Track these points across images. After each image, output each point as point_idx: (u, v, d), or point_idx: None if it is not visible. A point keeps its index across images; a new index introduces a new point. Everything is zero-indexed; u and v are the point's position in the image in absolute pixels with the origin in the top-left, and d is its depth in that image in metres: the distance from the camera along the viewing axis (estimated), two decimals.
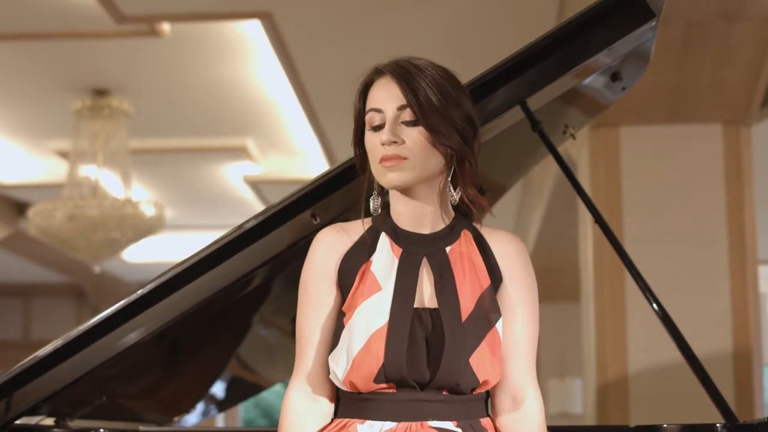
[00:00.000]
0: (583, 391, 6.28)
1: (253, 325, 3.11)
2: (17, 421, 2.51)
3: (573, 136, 3.09)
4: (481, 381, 1.96)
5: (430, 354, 1.95)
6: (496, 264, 2.06)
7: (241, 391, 3.68)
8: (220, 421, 13.71)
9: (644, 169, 5.32)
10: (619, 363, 5.17)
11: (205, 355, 3.24)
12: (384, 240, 2.06)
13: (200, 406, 3.52)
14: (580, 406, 9.93)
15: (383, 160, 2.01)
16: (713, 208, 5.26)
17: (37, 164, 9.34)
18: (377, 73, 2.09)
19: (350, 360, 1.95)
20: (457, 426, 1.95)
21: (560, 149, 6.11)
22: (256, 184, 9.58)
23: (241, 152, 8.80)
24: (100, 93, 7.53)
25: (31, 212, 7.81)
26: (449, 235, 2.07)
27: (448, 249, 2.05)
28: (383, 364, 1.93)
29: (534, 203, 8.92)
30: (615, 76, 2.84)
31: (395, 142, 2.00)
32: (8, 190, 10.00)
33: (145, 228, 7.78)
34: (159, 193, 9.97)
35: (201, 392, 3.47)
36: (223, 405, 3.73)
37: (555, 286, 10.03)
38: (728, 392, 4.99)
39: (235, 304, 2.75)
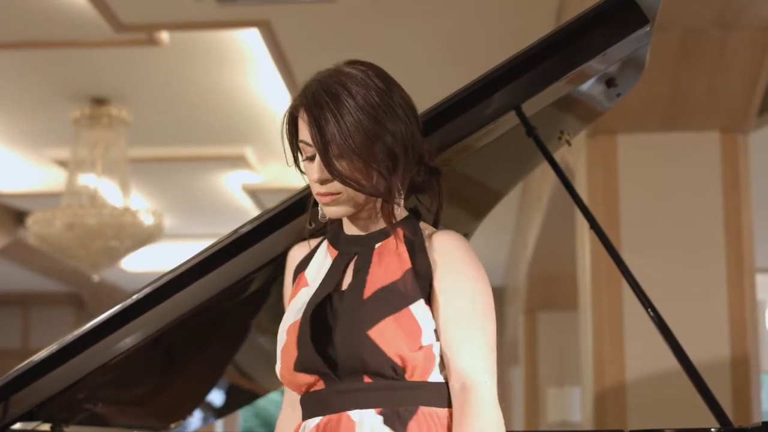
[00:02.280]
0: (582, 399, 6.28)
1: (250, 330, 3.11)
2: (13, 426, 2.51)
3: (568, 143, 3.10)
4: (394, 359, 1.92)
5: (335, 336, 1.97)
6: (425, 254, 2.04)
7: (238, 397, 3.68)
8: (219, 429, 13.70)
9: (641, 177, 5.32)
10: (616, 370, 5.17)
11: (202, 362, 3.24)
12: (324, 245, 2.14)
13: (197, 413, 3.52)
14: (579, 414, 9.93)
15: (318, 195, 2.04)
16: (711, 216, 5.26)
17: (35, 173, 9.35)
18: (298, 101, 2.07)
19: (279, 357, 2.02)
20: (379, 413, 1.92)
21: (557, 156, 6.11)
22: (254, 193, 9.59)
23: (239, 161, 8.81)
24: (99, 102, 7.54)
25: (30, 220, 7.82)
26: (385, 233, 2.07)
27: (377, 245, 2.06)
28: (297, 354, 1.96)
29: (532, 212, 8.93)
30: (610, 83, 2.85)
31: (326, 181, 2.01)
32: (7, 199, 10.02)
33: (143, 237, 7.78)
34: (158, 202, 9.98)
35: (198, 399, 3.47)
36: (221, 412, 3.73)
37: (553, 294, 10.05)
38: (726, 400, 4.99)
39: (232, 309, 2.75)
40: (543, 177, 7.79)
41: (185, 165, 9.06)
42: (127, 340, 2.52)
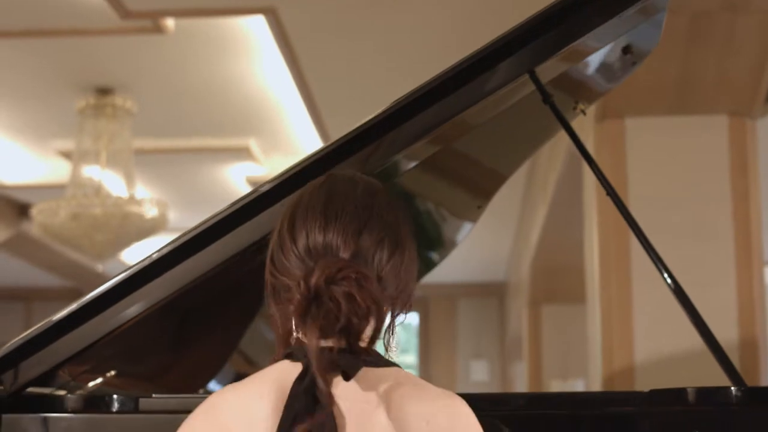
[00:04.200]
0: (586, 388, 6.27)
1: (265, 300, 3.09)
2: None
3: (583, 112, 3.09)
4: None
5: None
6: None
7: (254, 371, 3.67)
8: None
9: (649, 161, 5.32)
10: (625, 354, 5.17)
11: (217, 333, 3.23)
12: None
13: (212, 386, 3.51)
14: None
15: None
16: (719, 200, 5.26)
17: (39, 165, 9.34)
18: None
19: None
20: None
21: (564, 143, 6.11)
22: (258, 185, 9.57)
23: (243, 153, 8.80)
24: (104, 92, 7.53)
25: (34, 211, 7.81)
26: None
27: None
28: None
29: (536, 204, 8.92)
30: (626, 50, 2.84)
31: None
32: (10, 191, 10.00)
33: (148, 227, 7.77)
34: (161, 194, 9.97)
35: (212, 372, 3.46)
36: None
37: (558, 287, 10.04)
38: None
39: (246, 278, 2.73)
40: (548, 168, 7.79)
41: (189, 157, 9.05)
42: (133, 307, 2.51)
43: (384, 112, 2.43)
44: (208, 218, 2.47)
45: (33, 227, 8.84)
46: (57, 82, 7.39)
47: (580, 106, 3.08)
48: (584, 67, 2.87)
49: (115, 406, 2.42)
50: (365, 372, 1.67)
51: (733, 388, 2.30)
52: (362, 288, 1.63)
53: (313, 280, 1.63)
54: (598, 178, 2.77)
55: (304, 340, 1.67)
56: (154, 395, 2.46)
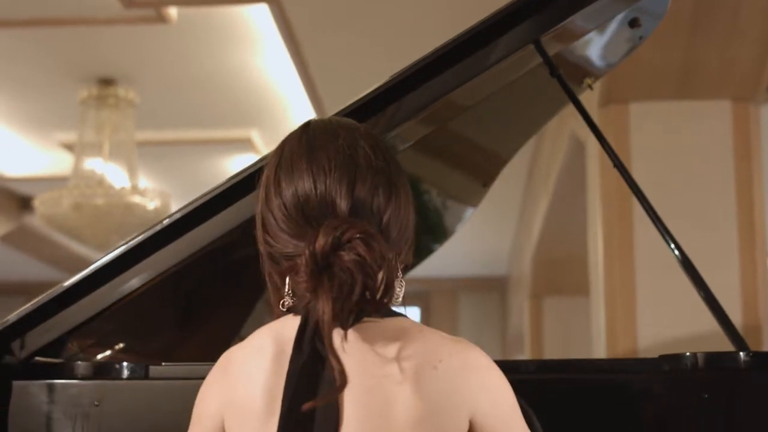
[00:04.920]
0: None
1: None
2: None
3: (590, 87, 3.09)
4: None
5: None
6: None
7: None
8: None
9: (653, 146, 5.32)
10: (629, 341, 5.17)
11: (228, 309, 3.23)
12: None
13: None
14: None
15: None
16: (722, 186, 5.26)
17: (41, 157, 9.34)
18: None
19: None
20: None
21: (567, 131, 6.11)
22: None
23: (246, 144, 8.80)
24: (106, 82, 7.53)
25: (36, 201, 7.81)
26: None
27: None
28: None
29: (538, 196, 8.92)
30: (633, 23, 2.83)
31: None
32: (11, 183, 9.99)
33: (151, 218, 7.76)
34: (164, 185, 9.96)
35: (225, 347, 3.45)
36: None
37: (559, 279, 10.04)
38: None
39: (255, 250, 2.73)
40: (550, 160, 7.79)
41: (191, 148, 9.05)
42: (141, 276, 2.51)
43: (384, 84, 2.42)
44: (211, 189, 2.47)
45: (35, 218, 8.85)
46: (59, 72, 7.38)
47: (588, 80, 3.07)
48: (587, 42, 2.87)
49: (125, 372, 2.42)
50: (371, 323, 1.65)
51: (741, 352, 2.31)
52: (370, 247, 1.58)
53: (318, 247, 1.58)
54: (606, 150, 2.77)
55: (302, 289, 1.65)
56: (164, 363, 2.46)
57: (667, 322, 5.09)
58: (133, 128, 7.70)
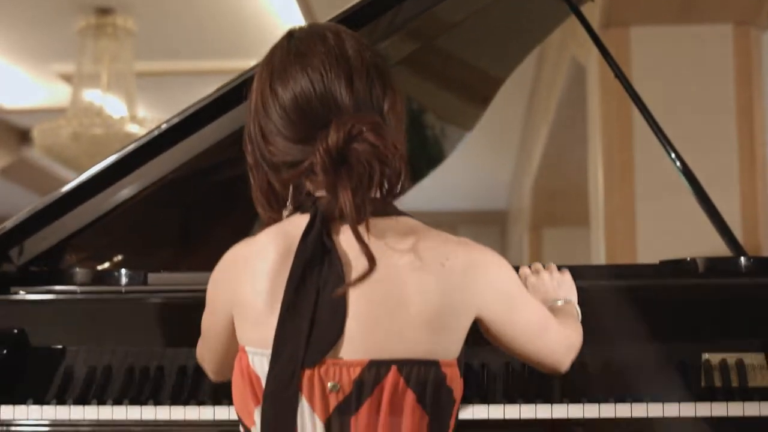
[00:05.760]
0: None
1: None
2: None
3: None
4: None
5: None
6: None
7: None
8: None
9: (654, 70, 5.29)
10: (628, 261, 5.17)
11: (228, 226, 3.22)
12: None
13: None
14: None
15: None
16: (723, 109, 5.24)
17: (40, 89, 9.29)
18: None
19: None
20: None
21: (567, 58, 6.07)
22: None
23: None
24: (104, 11, 7.48)
25: (35, 131, 7.79)
26: None
27: None
28: None
29: (538, 125, 8.90)
30: None
31: None
32: (10, 116, 9.96)
33: None
34: (163, 116, 9.93)
35: None
36: None
37: (559, 211, 10.04)
38: None
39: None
40: (550, 89, 7.76)
41: (190, 79, 9.00)
42: (138, 183, 2.51)
43: None
44: (207, 96, 2.46)
45: (34, 150, 8.83)
46: (56, 2, 7.33)
47: None
48: None
49: (124, 280, 2.42)
50: (379, 220, 1.65)
51: (742, 257, 2.31)
52: (381, 136, 1.60)
53: (332, 143, 1.59)
54: (606, 59, 2.75)
55: (311, 189, 1.68)
56: (163, 271, 2.46)
57: (668, 250, 5.08)
58: (132, 58, 7.65)
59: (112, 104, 7.86)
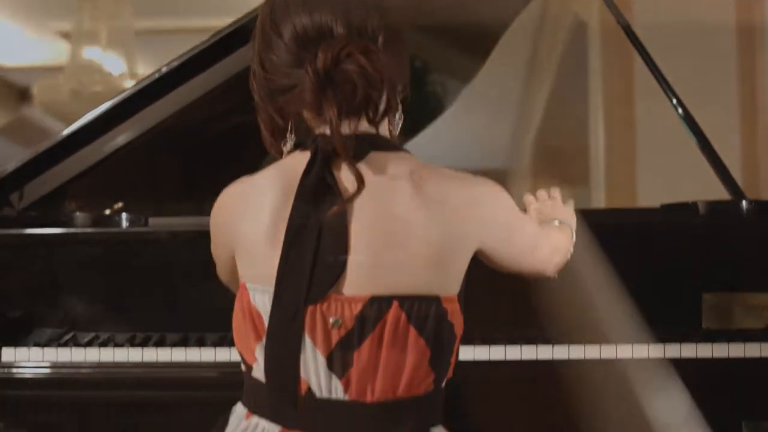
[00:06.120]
0: None
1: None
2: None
3: None
4: None
5: None
6: None
7: None
8: None
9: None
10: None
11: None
12: None
13: None
14: None
15: None
16: (724, 58, 5.19)
17: (38, 46, 9.25)
18: None
19: None
20: None
21: (569, 11, 6.03)
22: None
23: None
24: None
25: (35, 88, 7.77)
26: None
27: None
28: None
29: (539, 82, 8.85)
30: None
31: None
32: (9, 74, 9.92)
33: None
34: None
35: None
36: None
37: (560, 170, 10.01)
38: None
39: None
40: (551, 44, 7.72)
41: (190, 37, 8.93)
42: (137, 126, 2.50)
43: None
44: (207, 39, 2.46)
45: (33, 109, 8.81)
46: None
47: None
48: None
49: (125, 223, 2.41)
50: (377, 155, 1.67)
51: (744, 200, 2.30)
52: (370, 59, 1.61)
53: (320, 64, 1.61)
54: (609, 8, 2.74)
55: (312, 126, 1.69)
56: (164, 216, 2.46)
57: (667, 184, 5.06)
58: (131, 15, 7.61)
59: (112, 62, 7.83)
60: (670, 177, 4.86)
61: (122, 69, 7.71)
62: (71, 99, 7.42)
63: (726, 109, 5.20)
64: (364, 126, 1.67)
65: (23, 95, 10.19)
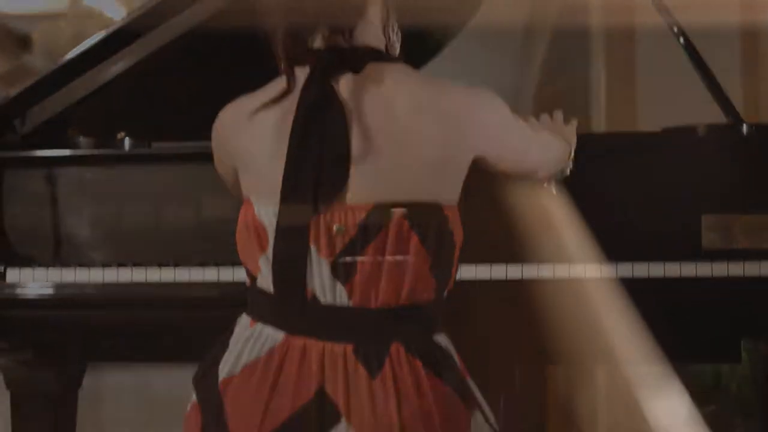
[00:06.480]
0: None
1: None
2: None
3: None
4: None
5: None
6: None
7: None
8: None
9: None
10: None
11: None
12: None
13: None
14: None
15: None
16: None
17: None
18: None
19: None
20: None
21: None
22: None
23: None
24: None
25: (35, 33, 7.72)
26: None
27: None
28: None
29: (539, 36, 8.81)
30: None
31: None
32: (9, 20, 9.86)
33: None
34: None
35: None
36: None
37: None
38: None
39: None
40: None
41: None
42: (130, 57, 2.50)
43: None
44: None
45: (34, 58, 8.75)
46: None
47: None
48: None
49: (128, 146, 2.42)
50: (376, 66, 1.68)
51: (744, 124, 2.31)
52: None
53: None
54: None
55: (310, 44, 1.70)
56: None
57: (667, 118, 5.04)
58: None
59: (112, 7, 7.78)
60: (671, 113, 4.86)
61: (122, 13, 7.65)
62: (72, 44, 7.36)
63: (725, 47, 5.17)
64: (360, 40, 1.69)
65: (23, 43, 10.15)
